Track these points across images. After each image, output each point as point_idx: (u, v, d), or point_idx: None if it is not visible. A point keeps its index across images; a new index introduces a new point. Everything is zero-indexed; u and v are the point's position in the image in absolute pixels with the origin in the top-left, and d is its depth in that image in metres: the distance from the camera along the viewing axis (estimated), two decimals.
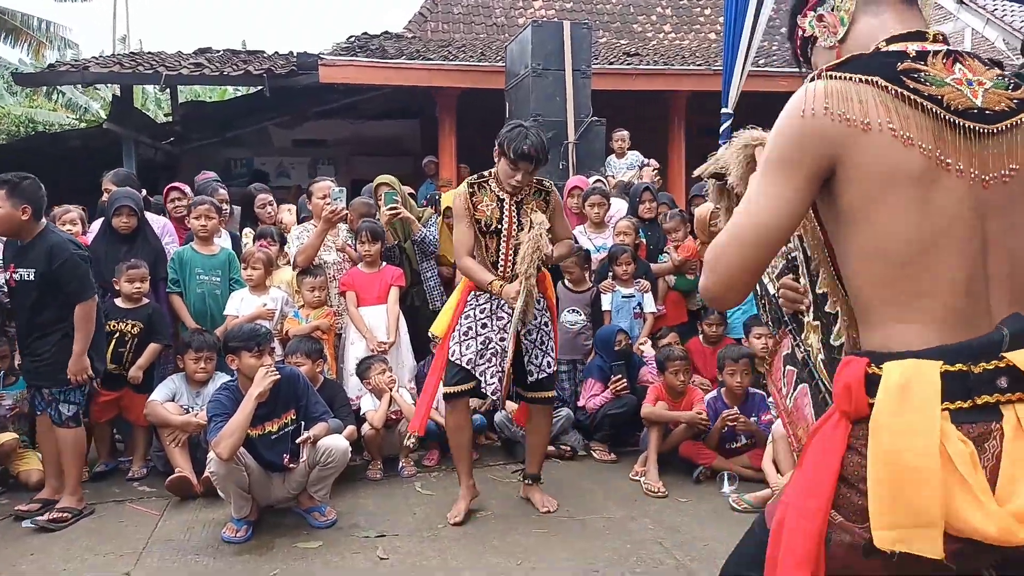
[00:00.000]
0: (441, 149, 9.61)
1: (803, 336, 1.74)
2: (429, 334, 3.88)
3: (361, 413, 4.31)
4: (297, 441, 3.53)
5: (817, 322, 1.67)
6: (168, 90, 11.71)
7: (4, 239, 3.96)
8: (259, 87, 9.28)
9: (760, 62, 9.38)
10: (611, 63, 9.68)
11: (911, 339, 1.20)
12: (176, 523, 3.66)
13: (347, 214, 4.73)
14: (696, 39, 12.45)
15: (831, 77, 1.26)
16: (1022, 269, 1.25)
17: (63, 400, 3.63)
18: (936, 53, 1.27)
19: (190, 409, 4.14)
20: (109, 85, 12.52)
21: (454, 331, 3.58)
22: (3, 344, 4.35)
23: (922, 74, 1.23)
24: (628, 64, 9.81)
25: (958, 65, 1.26)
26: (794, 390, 1.82)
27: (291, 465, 3.55)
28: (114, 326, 4.18)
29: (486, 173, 3.56)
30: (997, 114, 1.22)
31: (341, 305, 4.72)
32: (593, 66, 7.93)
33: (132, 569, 3.19)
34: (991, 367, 1.15)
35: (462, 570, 3.14)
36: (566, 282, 4.89)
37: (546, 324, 3.66)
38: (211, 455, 3.40)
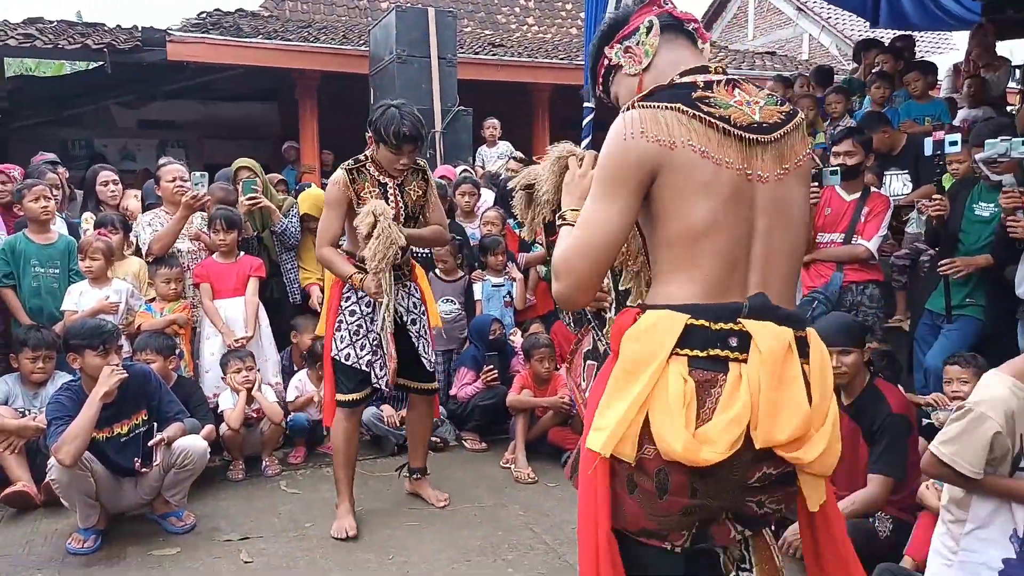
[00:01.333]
0: (302, 135, 9.31)
1: (605, 331, 1.90)
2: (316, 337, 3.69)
3: (219, 411, 4.11)
4: (149, 443, 3.32)
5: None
6: None
7: None
8: (99, 63, 8.61)
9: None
10: (476, 53, 9.70)
11: (674, 297, 1.49)
12: (13, 536, 3.37)
13: (209, 200, 4.46)
14: (559, 33, 12.70)
15: (643, 106, 1.51)
16: (782, 261, 1.54)
17: None
18: (719, 82, 1.55)
19: (27, 412, 3.80)
20: None
21: (340, 331, 3.37)
22: None
23: (711, 99, 1.51)
24: (493, 54, 9.86)
25: (737, 90, 1.56)
26: (591, 382, 1.94)
27: (143, 469, 3.33)
28: None
29: (361, 157, 3.36)
30: (771, 125, 1.53)
31: (197, 297, 4.46)
32: (459, 55, 7.91)
33: None
34: (726, 328, 1.44)
35: (332, 570, 3.07)
36: (438, 271, 4.87)
37: (423, 314, 3.56)
38: (52, 461, 3.13)
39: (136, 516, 3.50)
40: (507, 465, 4.18)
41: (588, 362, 1.99)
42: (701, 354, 1.42)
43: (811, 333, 1.51)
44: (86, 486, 3.18)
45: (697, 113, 1.47)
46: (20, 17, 9.43)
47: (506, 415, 4.44)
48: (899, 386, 3.30)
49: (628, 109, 1.53)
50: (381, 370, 3.40)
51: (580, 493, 1.55)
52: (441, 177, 5.87)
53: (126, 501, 3.42)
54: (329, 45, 9.07)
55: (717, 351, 1.42)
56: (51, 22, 9.51)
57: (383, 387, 3.43)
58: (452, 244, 4.82)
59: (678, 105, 1.48)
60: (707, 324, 1.43)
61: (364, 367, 3.36)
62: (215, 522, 3.49)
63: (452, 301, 4.87)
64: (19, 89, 10.57)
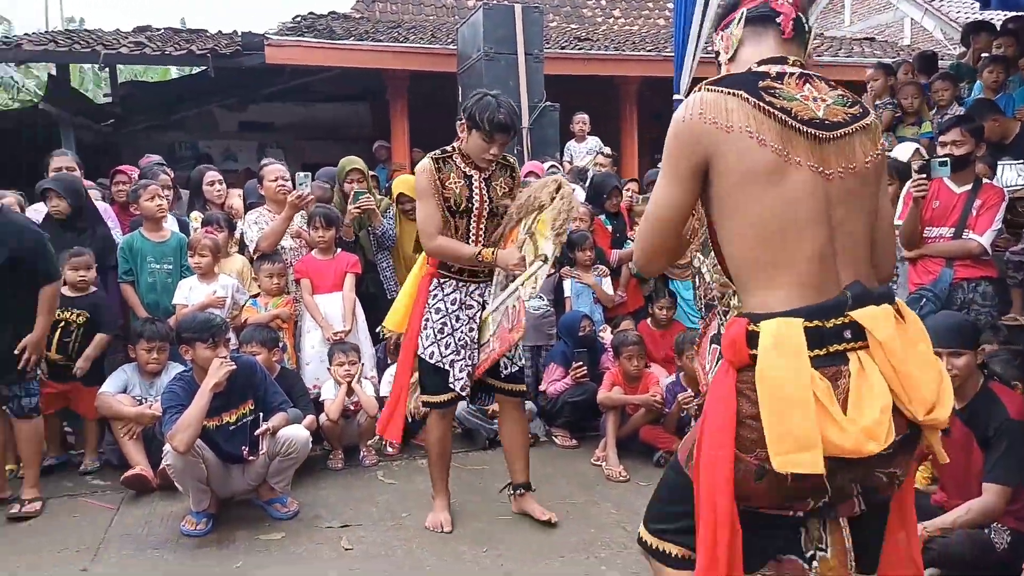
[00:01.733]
0: (393, 134, 9.50)
1: (729, 316, 1.90)
2: (381, 329, 3.64)
3: (321, 400, 4.26)
4: (256, 432, 3.47)
5: (741, 303, 1.85)
6: (107, 70, 11.31)
7: None
8: (203, 67, 9.01)
9: (710, 48, 9.50)
10: (562, 47, 9.68)
11: (779, 302, 1.51)
12: (133, 517, 3.58)
13: (311, 199, 4.63)
14: (645, 24, 12.54)
15: (708, 89, 1.56)
16: (860, 247, 1.58)
17: (25, 394, 3.62)
18: (792, 75, 1.58)
19: (143, 400, 4.03)
20: (45, 64, 12.00)
21: (426, 329, 3.29)
22: None
23: (778, 90, 1.54)
24: (580, 49, 9.82)
25: (808, 85, 1.58)
26: (715, 365, 2.00)
27: (250, 457, 3.49)
28: (59, 315, 4.03)
29: (448, 148, 3.31)
30: (835, 124, 1.54)
31: (298, 292, 4.63)
32: (545, 50, 7.92)
33: (90, 564, 3.12)
34: (839, 323, 1.48)
35: (428, 559, 3.14)
36: None
37: None
38: (167, 448, 3.32)
39: (243, 501, 3.67)
40: (598, 462, 4.17)
41: (712, 346, 2.05)
42: (822, 352, 1.46)
43: (899, 302, 1.57)
44: (198, 472, 3.35)
45: (758, 102, 1.51)
46: (130, 26, 10.01)
47: (596, 412, 4.42)
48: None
49: (696, 91, 1.58)
50: (461, 372, 3.30)
51: (704, 480, 1.55)
52: (529, 173, 5.89)
53: (234, 487, 3.58)
54: (418, 45, 9.23)
55: (836, 346, 1.47)
56: (158, 30, 10.04)
57: (458, 389, 3.29)
58: None
59: (741, 91, 1.52)
60: (821, 323, 1.47)
61: (446, 366, 3.27)
62: (316, 510, 3.62)
63: (541, 297, 4.89)
64: (131, 95, 11.20)
